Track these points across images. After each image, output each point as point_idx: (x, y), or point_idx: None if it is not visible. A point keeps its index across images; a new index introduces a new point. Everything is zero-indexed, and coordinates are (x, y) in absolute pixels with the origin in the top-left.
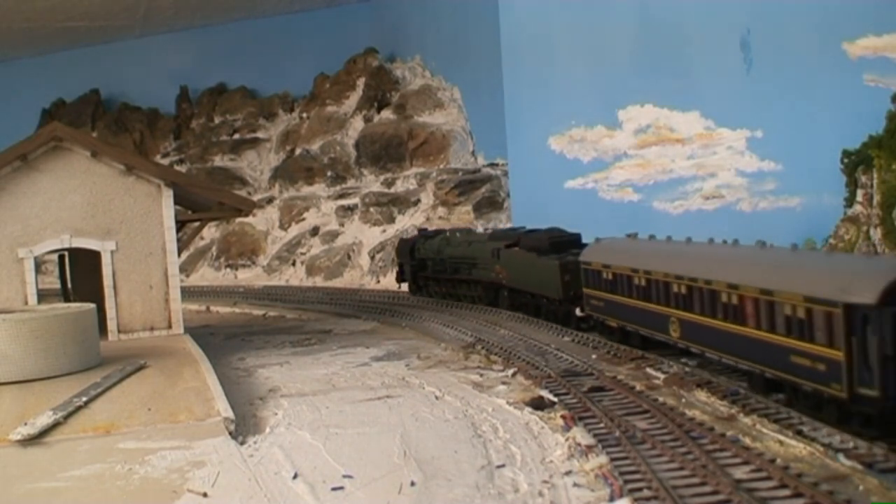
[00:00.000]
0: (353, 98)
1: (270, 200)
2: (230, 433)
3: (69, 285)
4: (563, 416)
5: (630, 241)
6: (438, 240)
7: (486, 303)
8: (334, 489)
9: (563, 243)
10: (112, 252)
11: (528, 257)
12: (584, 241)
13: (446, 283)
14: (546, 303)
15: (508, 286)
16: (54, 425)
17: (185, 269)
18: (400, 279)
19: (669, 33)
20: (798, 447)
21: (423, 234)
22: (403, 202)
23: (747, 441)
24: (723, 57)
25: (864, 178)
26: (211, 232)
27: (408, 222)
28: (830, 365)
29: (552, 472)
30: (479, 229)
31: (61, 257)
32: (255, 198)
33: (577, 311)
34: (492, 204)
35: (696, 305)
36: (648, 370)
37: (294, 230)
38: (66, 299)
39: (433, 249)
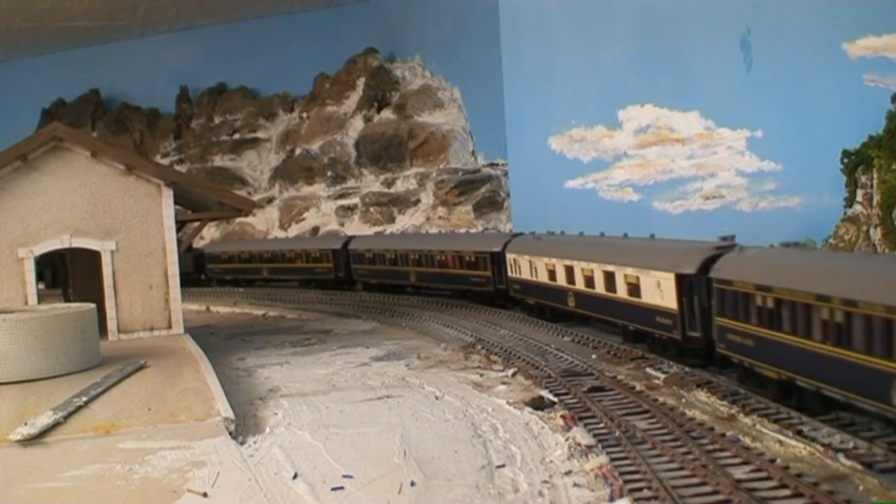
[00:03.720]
0: (353, 98)
1: (270, 200)
2: (230, 433)
3: (66, 286)
4: (563, 416)
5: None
6: None
7: None
8: (334, 489)
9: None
10: (112, 252)
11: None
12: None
13: None
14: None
15: None
16: (54, 425)
17: None
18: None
19: (669, 33)
20: (798, 447)
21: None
22: (403, 202)
23: (747, 441)
24: (723, 57)
25: (864, 178)
26: (211, 232)
27: (408, 222)
28: None
29: (552, 472)
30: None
31: (53, 258)
32: (255, 198)
33: (202, 277)
34: (492, 204)
35: None
36: (648, 370)
37: (294, 230)
38: (67, 299)
39: None
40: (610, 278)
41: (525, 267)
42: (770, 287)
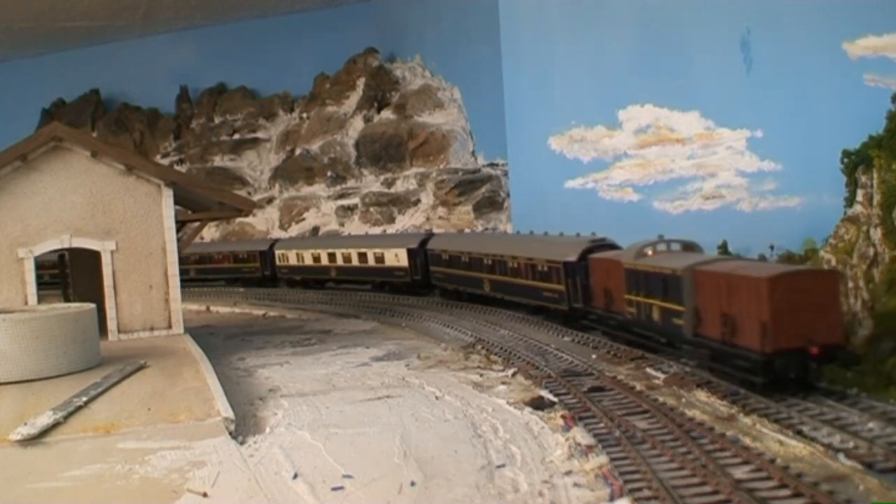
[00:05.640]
0: (353, 98)
1: (270, 200)
2: (230, 433)
3: (66, 286)
4: (563, 416)
5: None
6: None
7: None
8: (334, 489)
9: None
10: (112, 252)
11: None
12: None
13: None
14: None
15: None
16: (54, 425)
17: None
18: None
19: (669, 33)
20: (798, 447)
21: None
22: (403, 202)
23: (747, 441)
24: (723, 57)
25: (864, 178)
26: (211, 232)
27: (408, 222)
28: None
29: (552, 472)
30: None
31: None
32: (255, 198)
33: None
34: (492, 204)
35: None
36: (648, 370)
37: (294, 230)
38: (66, 299)
39: None
40: (363, 255)
41: (292, 257)
42: (446, 249)
